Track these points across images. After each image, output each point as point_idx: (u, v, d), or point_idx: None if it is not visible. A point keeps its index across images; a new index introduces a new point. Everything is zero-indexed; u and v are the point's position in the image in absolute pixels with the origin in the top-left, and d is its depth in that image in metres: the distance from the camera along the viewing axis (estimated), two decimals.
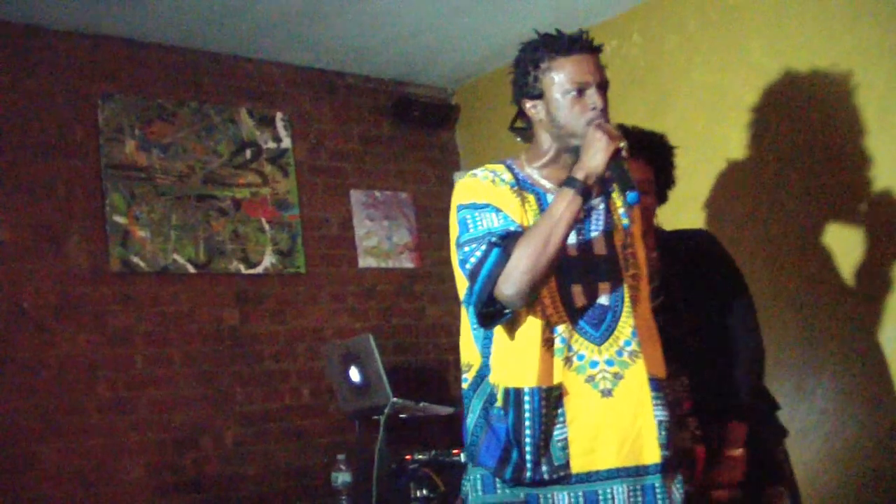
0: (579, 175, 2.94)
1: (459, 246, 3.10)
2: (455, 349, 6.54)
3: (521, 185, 3.16)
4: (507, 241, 2.98)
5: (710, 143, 5.34)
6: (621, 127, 3.51)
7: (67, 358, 5.18)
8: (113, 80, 5.60)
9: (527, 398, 3.00)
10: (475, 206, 3.11)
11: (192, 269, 5.66)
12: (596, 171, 2.94)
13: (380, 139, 6.69)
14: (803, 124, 5.09)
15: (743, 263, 4.97)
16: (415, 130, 6.83)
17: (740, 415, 3.64)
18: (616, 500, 2.98)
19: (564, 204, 2.92)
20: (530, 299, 2.97)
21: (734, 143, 5.29)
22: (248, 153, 6.03)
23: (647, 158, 3.80)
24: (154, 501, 5.28)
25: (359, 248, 6.41)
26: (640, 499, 2.98)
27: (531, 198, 3.13)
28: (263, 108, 6.16)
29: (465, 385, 3.27)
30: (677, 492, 3.03)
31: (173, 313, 5.56)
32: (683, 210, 5.42)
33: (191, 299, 5.64)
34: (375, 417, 5.04)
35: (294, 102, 6.32)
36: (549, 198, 3.08)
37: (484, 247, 3.01)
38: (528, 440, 3.00)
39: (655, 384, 3.03)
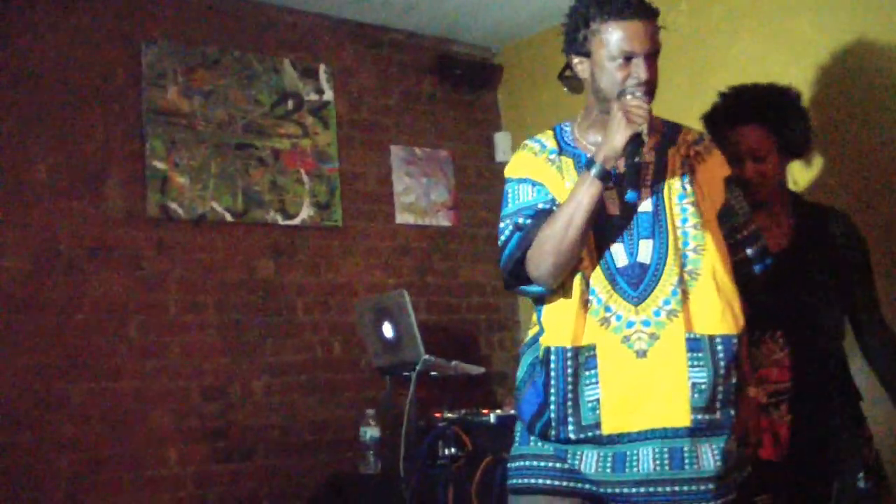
0: (599, 157, 2.94)
1: (501, 219, 3.20)
2: (487, 309, 6.57)
3: (563, 151, 3.18)
4: (534, 220, 3.06)
5: None
6: (736, 90, 3.75)
7: (100, 301, 5.20)
8: (157, 26, 5.60)
9: (552, 358, 3.02)
10: (515, 181, 3.20)
11: (229, 218, 5.66)
12: (614, 154, 2.92)
13: (421, 96, 6.67)
14: (847, 99, 5.04)
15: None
16: (457, 89, 6.80)
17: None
18: (642, 462, 2.94)
19: (584, 188, 2.94)
20: (557, 279, 3.01)
21: None
22: (290, 104, 6.02)
23: (755, 121, 3.71)
24: (179, 447, 5.31)
25: (396, 204, 6.40)
26: (666, 463, 2.93)
27: (570, 162, 3.14)
28: (307, 60, 6.15)
29: (524, 342, 3.26)
30: (712, 458, 2.93)
31: (208, 261, 5.57)
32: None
33: (226, 248, 5.65)
34: (406, 374, 5.03)
35: (337, 56, 6.30)
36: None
37: (511, 227, 3.13)
38: (552, 399, 3.02)
39: (695, 343, 2.94)
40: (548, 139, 3.24)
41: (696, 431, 2.92)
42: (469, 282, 6.63)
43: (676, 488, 2.92)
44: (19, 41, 5.16)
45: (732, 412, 2.96)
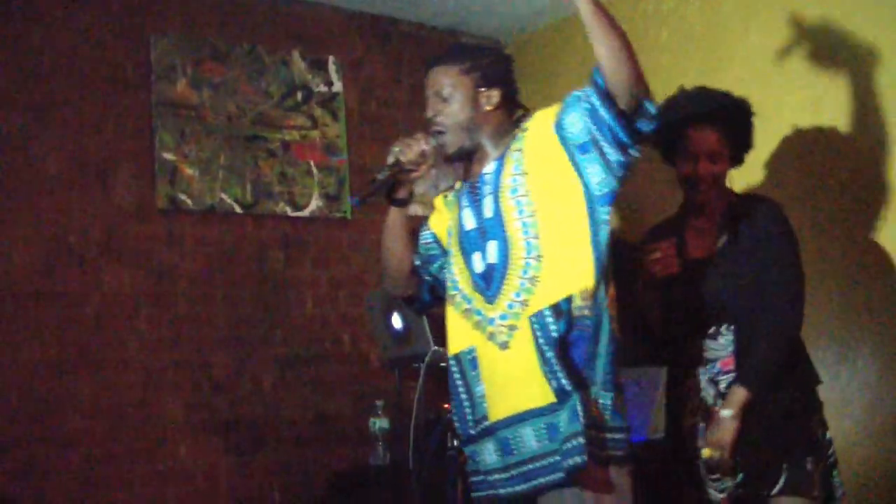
0: None
1: None
2: None
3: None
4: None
5: (765, 108, 5.25)
6: (685, 92, 3.98)
7: (110, 293, 5.22)
8: (166, 18, 5.60)
9: (451, 365, 3.39)
10: None
11: (238, 210, 5.67)
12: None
13: None
14: (861, 92, 5.02)
15: None
16: None
17: (746, 381, 3.71)
18: (525, 442, 3.20)
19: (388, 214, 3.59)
20: (394, 288, 3.68)
21: (788, 110, 5.22)
22: (299, 96, 6.02)
23: (714, 125, 3.86)
24: (189, 440, 5.32)
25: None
26: (545, 438, 3.16)
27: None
28: (316, 52, 6.14)
29: None
30: (568, 419, 3.09)
31: (217, 253, 5.58)
32: (733, 171, 5.38)
33: (235, 240, 5.65)
34: (416, 365, 5.03)
35: (347, 48, 6.30)
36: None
37: None
38: (454, 403, 3.39)
39: (540, 320, 3.14)
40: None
41: (559, 405, 3.12)
42: None
43: (556, 457, 3.11)
44: (29, 34, 5.17)
45: (561, 375, 3.12)
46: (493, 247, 3.29)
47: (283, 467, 5.57)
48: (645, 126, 3.13)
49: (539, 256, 3.20)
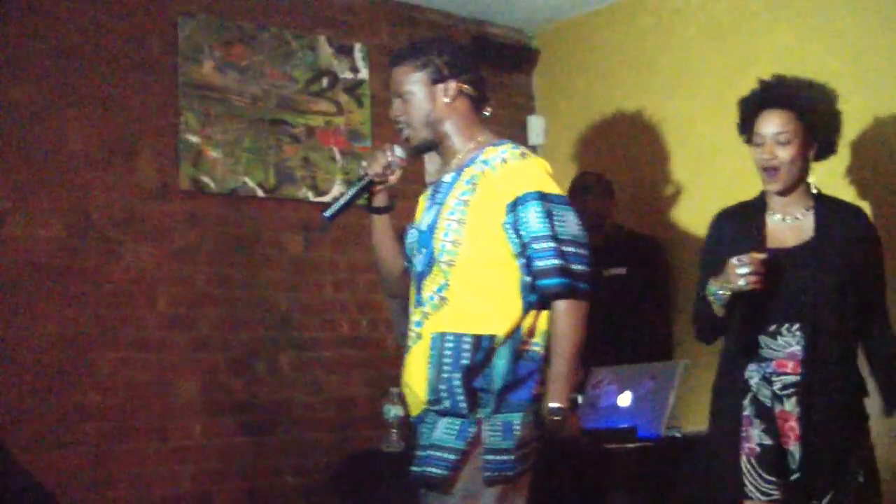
0: None
1: None
2: None
3: None
4: None
5: None
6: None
7: (131, 271, 5.24)
8: (194, 0, 5.61)
9: None
10: None
11: (260, 193, 5.68)
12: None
13: None
14: (884, 93, 5.02)
15: None
16: (491, 71, 6.78)
17: None
18: (424, 438, 3.45)
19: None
20: (387, 290, 3.98)
21: None
22: (325, 81, 6.03)
23: (783, 108, 3.76)
24: (204, 419, 5.34)
25: (427, 184, 6.40)
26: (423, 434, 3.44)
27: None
28: (342, 38, 6.15)
29: None
30: (446, 432, 3.35)
31: (238, 235, 5.60)
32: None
33: (256, 223, 5.67)
34: None
35: (373, 34, 6.30)
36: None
37: None
38: None
39: (438, 340, 3.36)
40: None
41: (430, 413, 3.41)
42: None
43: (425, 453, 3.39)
44: (57, 12, 5.18)
45: (460, 398, 3.31)
46: (420, 257, 3.53)
47: (296, 449, 5.58)
48: None
49: (447, 283, 3.41)
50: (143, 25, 5.44)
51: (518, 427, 3.33)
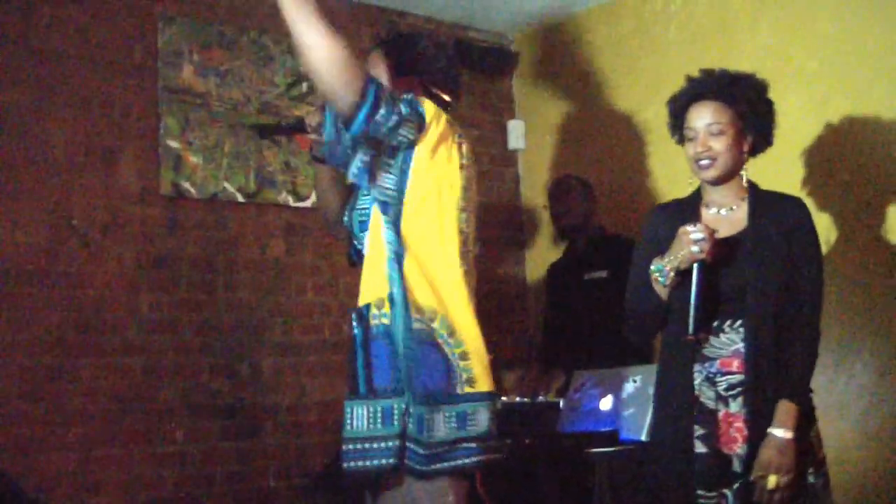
0: None
1: None
2: (497, 295, 6.58)
3: None
4: None
5: None
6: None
7: (112, 276, 5.23)
8: (174, 4, 5.61)
9: None
10: None
11: (241, 198, 5.68)
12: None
13: None
14: (865, 96, 5.04)
15: None
16: (471, 75, 6.81)
17: (795, 394, 3.49)
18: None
19: None
20: (333, 230, 3.78)
21: (794, 111, 5.24)
22: (305, 86, 6.02)
23: (714, 100, 3.65)
24: (187, 424, 5.34)
25: None
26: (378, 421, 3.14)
27: None
28: None
29: None
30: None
31: (219, 240, 5.59)
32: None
33: (238, 228, 5.67)
34: None
35: (354, 39, 6.29)
36: None
37: None
38: None
39: (356, 315, 3.20)
40: None
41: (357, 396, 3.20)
42: (476, 264, 6.62)
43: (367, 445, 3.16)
44: (38, 16, 5.17)
45: (352, 380, 3.22)
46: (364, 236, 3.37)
47: (280, 453, 5.58)
48: (355, 129, 3.08)
49: (363, 253, 3.32)
50: (125, 30, 5.43)
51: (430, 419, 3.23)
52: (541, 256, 6.57)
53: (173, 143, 5.48)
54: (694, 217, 3.64)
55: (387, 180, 3.18)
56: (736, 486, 3.47)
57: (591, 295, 5.66)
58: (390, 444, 3.13)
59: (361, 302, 3.22)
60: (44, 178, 5.09)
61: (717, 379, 3.54)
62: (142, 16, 5.49)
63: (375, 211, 3.23)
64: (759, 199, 3.67)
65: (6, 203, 4.97)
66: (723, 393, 3.53)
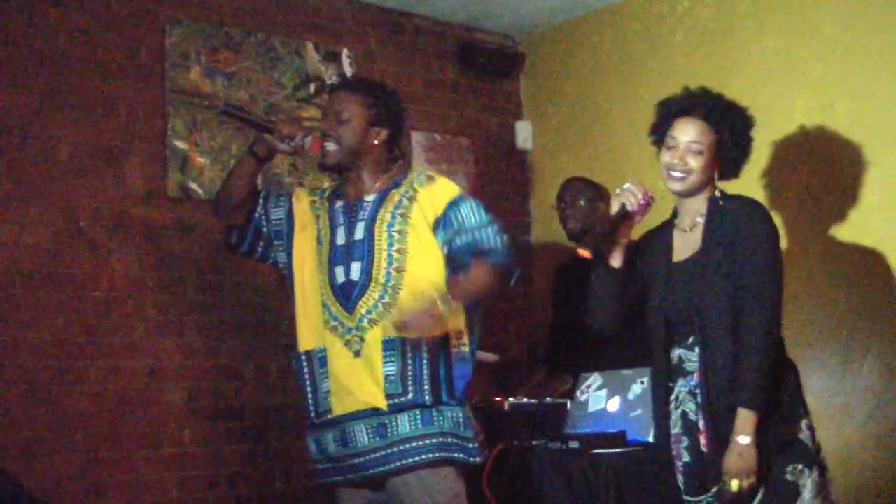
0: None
1: None
2: (502, 296, 6.57)
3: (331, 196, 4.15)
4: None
5: (775, 112, 5.29)
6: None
7: (119, 278, 5.23)
8: (182, 6, 5.61)
9: (303, 359, 3.99)
10: None
11: None
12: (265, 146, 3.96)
13: (443, 83, 6.68)
14: (871, 99, 5.03)
15: (797, 235, 4.93)
16: (479, 77, 6.81)
17: (747, 401, 3.49)
18: (358, 436, 3.80)
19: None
20: (218, 211, 4.10)
21: (799, 114, 5.24)
22: (312, 87, 6.03)
23: (701, 119, 3.67)
24: (193, 426, 5.34)
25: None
26: (375, 434, 3.78)
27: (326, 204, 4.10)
28: (329, 44, 6.15)
29: None
30: (409, 424, 3.77)
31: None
32: (744, 174, 5.38)
33: None
34: None
35: (360, 40, 6.31)
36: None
37: None
38: (307, 392, 3.96)
39: (389, 344, 3.78)
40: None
41: (393, 410, 3.78)
42: None
43: (385, 451, 3.77)
44: (45, 19, 5.18)
45: (426, 388, 3.80)
46: (356, 266, 3.85)
47: (286, 456, 5.58)
48: None
49: (397, 287, 3.81)
50: (132, 32, 5.43)
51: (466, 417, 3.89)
52: (548, 258, 6.55)
53: (180, 145, 5.48)
54: (667, 238, 3.82)
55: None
56: (714, 489, 3.58)
57: None
58: (474, 445, 3.91)
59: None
60: (50, 181, 5.09)
61: (696, 391, 3.64)
62: (147, 18, 5.49)
63: (434, 262, 3.88)
64: (713, 216, 3.69)
65: (13, 205, 4.98)
66: (702, 404, 3.62)
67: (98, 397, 5.09)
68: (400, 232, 3.86)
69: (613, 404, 4.69)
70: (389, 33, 6.45)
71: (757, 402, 3.49)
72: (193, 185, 5.50)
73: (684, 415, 3.68)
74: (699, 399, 3.62)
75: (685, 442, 3.67)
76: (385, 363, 3.78)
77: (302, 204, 4.10)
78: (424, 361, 3.81)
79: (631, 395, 4.62)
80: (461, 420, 3.85)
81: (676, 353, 3.72)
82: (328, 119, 3.94)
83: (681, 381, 3.71)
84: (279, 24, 5.98)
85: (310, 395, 3.94)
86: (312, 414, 3.93)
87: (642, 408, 4.51)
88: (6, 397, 4.84)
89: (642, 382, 4.61)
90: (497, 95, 6.94)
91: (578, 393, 4.88)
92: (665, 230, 3.85)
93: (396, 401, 3.77)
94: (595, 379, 4.90)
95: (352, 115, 3.90)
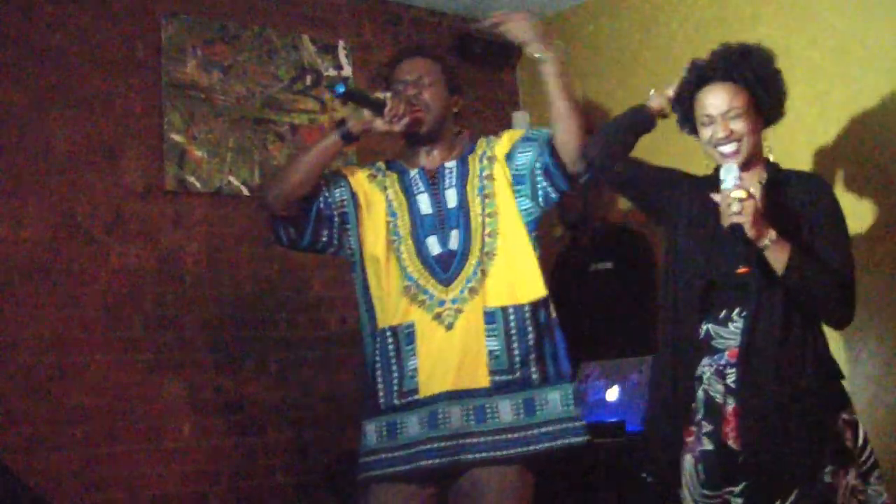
0: (350, 124, 3.75)
1: None
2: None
3: (389, 167, 3.97)
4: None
5: None
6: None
7: (117, 272, 5.23)
8: (177, 0, 5.61)
9: (379, 338, 3.66)
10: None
11: (246, 192, 5.67)
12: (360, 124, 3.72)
13: None
14: (867, 88, 5.03)
15: None
16: (476, 68, 6.80)
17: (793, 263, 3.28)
18: (451, 419, 3.51)
19: (326, 138, 3.80)
20: (280, 201, 3.72)
21: (797, 102, 5.22)
22: (308, 80, 6.03)
23: (727, 81, 3.50)
24: (193, 420, 5.33)
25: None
26: (472, 417, 3.51)
27: (395, 176, 3.89)
28: (326, 36, 6.15)
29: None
30: (511, 411, 3.52)
31: (224, 235, 5.59)
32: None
33: (243, 222, 5.66)
34: None
35: (356, 32, 6.30)
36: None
37: None
38: (378, 372, 3.64)
39: (490, 316, 3.57)
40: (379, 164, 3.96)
41: (494, 391, 3.52)
42: None
43: (482, 439, 3.50)
44: (39, 15, 5.17)
45: (533, 369, 3.57)
46: (455, 235, 3.67)
47: (286, 448, 5.58)
48: (582, 176, 3.69)
49: (491, 253, 3.63)
50: (128, 26, 5.43)
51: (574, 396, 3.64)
52: (546, 247, 6.55)
53: (177, 138, 5.48)
54: (702, 194, 3.52)
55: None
56: (741, 485, 3.33)
57: (596, 286, 5.67)
58: (581, 423, 3.61)
59: (535, 295, 3.65)
60: (47, 176, 5.09)
61: (727, 371, 3.38)
62: (143, 12, 5.49)
63: (519, 222, 3.70)
64: (776, 181, 3.53)
65: (10, 201, 4.98)
66: (732, 386, 3.36)
67: (98, 392, 5.08)
68: (488, 196, 3.70)
69: (612, 393, 4.71)
70: (386, 25, 6.45)
71: (796, 267, 3.28)
72: (191, 179, 5.49)
73: (708, 398, 3.41)
74: (730, 380, 3.37)
75: (706, 427, 3.39)
76: (488, 337, 3.56)
77: (358, 180, 3.86)
78: (529, 335, 3.59)
79: (630, 384, 4.64)
80: (571, 399, 3.59)
81: (705, 327, 3.46)
82: (413, 86, 3.77)
83: (706, 360, 3.44)
84: (275, 16, 5.97)
85: (394, 375, 3.62)
86: (394, 394, 3.61)
87: (641, 397, 4.51)
88: (5, 393, 4.83)
89: (641, 371, 4.62)
90: (494, 86, 6.93)
91: (577, 382, 4.89)
92: (705, 189, 3.53)
93: (500, 378, 3.54)
94: (594, 368, 4.91)
95: (433, 81, 3.79)
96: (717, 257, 3.45)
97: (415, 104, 3.71)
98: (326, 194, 3.78)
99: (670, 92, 3.72)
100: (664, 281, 3.60)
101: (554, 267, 5.89)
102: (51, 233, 5.06)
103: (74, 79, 5.23)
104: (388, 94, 3.65)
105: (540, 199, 3.72)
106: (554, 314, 3.70)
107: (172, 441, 5.26)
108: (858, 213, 4.99)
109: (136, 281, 5.28)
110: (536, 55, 3.67)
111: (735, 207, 3.24)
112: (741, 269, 3.36)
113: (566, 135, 3.62)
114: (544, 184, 3.69)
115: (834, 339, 4.94)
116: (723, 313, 3.43)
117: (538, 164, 3.69)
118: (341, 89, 3.69)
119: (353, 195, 3.81)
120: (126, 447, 5.11)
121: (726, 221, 3.27)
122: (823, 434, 3.32)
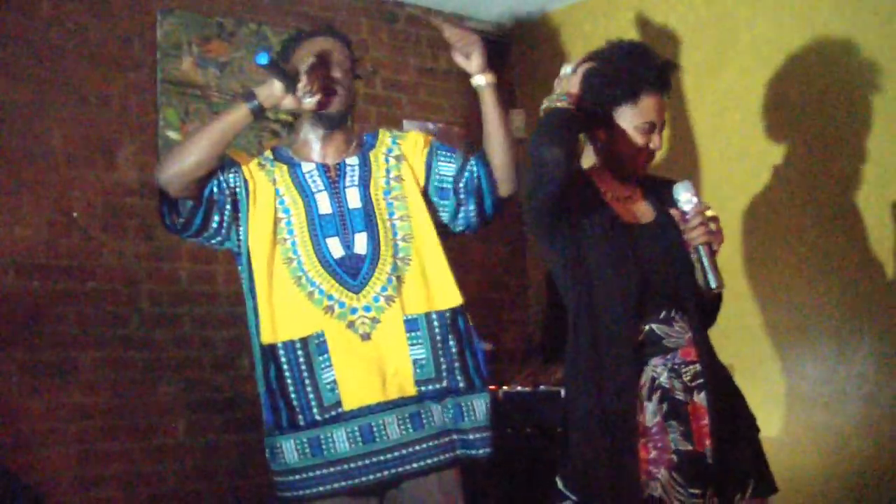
0: (261, 97, 3.36)
1: None
2: (498, 286, 6.56)
3: (277, 158, 3.63)
4: None
5: (769, 98, 5.29)
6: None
7: (113, 269, 5.23)
8: None
9: (282, 353, 3.42)
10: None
11: None
12: (271, 98, 3.35)
13: (435, 72, 6.66)
14: (864, 88, 5.03)
15: (789, 222, 4.93)
16: None
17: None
18: (388, 429, 3.37)
19: (232, 111, 3.38)
20: (175, 183, 3.35)
21: (794, 100, 5.24)
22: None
23: (663, 94, 3.45)
24: (188, 417, 5.33)
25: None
26: (409, 426, 3.38)
27: (284, 167, 3.58)
28: None
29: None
30: (443, 416, 3.42)
31: None
32: (737, 163, 5.38)
33: None
34: None
35: (352, 29, 6.29)
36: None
37: None
38: (290, 389, 3.39)
39: (412, 324, 3.42)
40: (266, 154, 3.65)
41: (424, 399, 3.41)
42: (479, 258, 6.63)
43: (424, 445, 3.39)
44: (38, 9, 5.17)
45: (459, 377, 3.44)
46: (361, 238, 3.45)
47: None
48: (509, 200, 3.64)
49: (406, 259, 3.47)
50: (124, 23, 5.43)
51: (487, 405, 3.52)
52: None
53: (172, 135, 5.47)
54: (597, 199, 3.44)
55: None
56: (711, 486, 3.25)
57: None
58: (490, 434, 3.49)
59: (453, 302, 3.52)
60: (44, 173, 5.09)
61: (683, 369, 3.29)
62: (139, 9, 5.48)
63: (432, 227, 3.54)
64: (649, 187, 3.53)
65: (6, 198, 4.98)
66: (689, 384, 3.28)
67: (91, 388, 5.08)
68: (397, 198, 3.53)
69: None
70: (381, 22, 6.44)
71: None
72: None
73: (669, 397, 3.26)
74: (687, 378, 3.28)
75: (677, 428, 3.23)
76: (411, 345, 3.40)
77: (250, 168, 3.54)
78: (451, 343, 3.45)
79: None
80: (487, 409, 3.48)
81: (647, 327, 3.32)
82: (336, 67, 3.52)
83: (657, 360, 3.30)
84: (271, 13, 5.96)
85: (308, 389, 3.38)
86: (313, 409, 3.37)
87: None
88: (2, 390, 4.83)
89: None
90: None
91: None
92: (589, 183, 3.48)
93: (427, 387, 3.41)
94: None
95: (343, 62, 3.56)
96: (646, 261, 3.34)
97: (329, 83, 3.46)
98: (221, 177, 3.46)
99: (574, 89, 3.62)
100: (575, 292, 3.34)
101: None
102: (47, 229, 5.06)
103: (71, 75, 5.22)
104: (304, 68, 3.35)
105: (459, 222, 3.63)
106: (471, 322, 3.54)
107: (168, 439, 5.26)
108: (855, 212, 5.00)
109: (131, 278, 5.28)
110: (479, 82, 3.56)
111: (713, 226, 3.21)
112: (718, 288, 3.25)
113: (505, 156, 3.55)
114: (470, 207, 3.59)
115: (828, 340, 4.96)
116: (662, 313, 3.32)
117: (467, 177, 3.58)
118: (265, 59, 3.25)
119: (245, 182, 3.48)
120: (122, 445, 5.12)
121: (700, 239, 3.20)
122: (755, 423, 3.45)
